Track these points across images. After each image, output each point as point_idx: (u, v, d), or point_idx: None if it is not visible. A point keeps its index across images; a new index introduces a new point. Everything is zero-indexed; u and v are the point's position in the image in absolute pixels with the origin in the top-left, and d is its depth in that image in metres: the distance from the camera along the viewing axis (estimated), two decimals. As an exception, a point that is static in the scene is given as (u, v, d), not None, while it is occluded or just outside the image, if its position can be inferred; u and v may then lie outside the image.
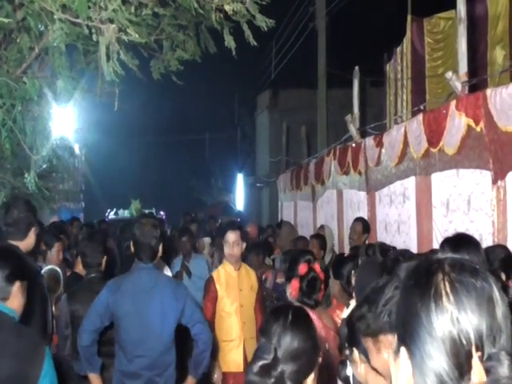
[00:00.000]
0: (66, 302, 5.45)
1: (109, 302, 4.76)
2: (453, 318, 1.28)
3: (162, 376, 4.80)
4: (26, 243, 4.72)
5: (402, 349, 1.37)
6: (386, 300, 2.38)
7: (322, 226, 9.91)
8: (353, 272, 5.10)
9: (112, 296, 4.77)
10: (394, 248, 5.57)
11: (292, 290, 4.60)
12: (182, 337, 5.12)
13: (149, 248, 4.85)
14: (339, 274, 5.48)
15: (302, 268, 4.62)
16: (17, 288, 3.37)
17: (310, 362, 2.54)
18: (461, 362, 1.27)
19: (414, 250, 7.13)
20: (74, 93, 7.31)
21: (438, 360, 1.28)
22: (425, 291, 1.32)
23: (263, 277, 7.99)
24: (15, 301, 3.39)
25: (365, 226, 8.16)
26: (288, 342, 2.49)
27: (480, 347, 1.27)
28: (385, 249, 5.28)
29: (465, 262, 1.36)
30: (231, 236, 6.35)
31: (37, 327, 4.35)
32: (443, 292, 1.30)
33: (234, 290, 6.38)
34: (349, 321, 2.73)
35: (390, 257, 4.73)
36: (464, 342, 1.27)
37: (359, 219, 8.41)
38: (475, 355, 1.26)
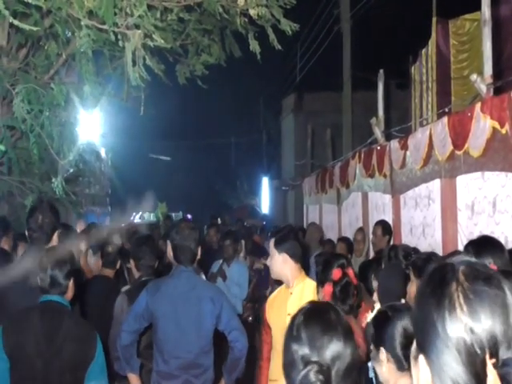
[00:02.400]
0: (124, 301, 5.54)
1: (148, 303, 4.83)
2: (467, 329, 1.30)
3: (199, 378, 4.83)
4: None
5: (421, 356, 1.38)
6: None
7: (361, 228, 9.75)
8: (372, 275, 5.10)
9: (151, 298, 4.83)
10: (415, 249, 5.57)
11: (325, 295, 4.46)
12: (219, 339, 5.18)
13: (189, 251, 4.90)
14: (362, 276, 5.49)
15: (336, 273, 4.51)
16: (71, 283, 4.09)
17: (357, 376, 2.27)
18: (477, 370, 1.29)
19: (439, 252, 7.08)
20: (100, 98, 7.39)
21: (455, 369, 1.30)
22: (440, 301, 1.34)
23: None
24: (70, 294, 4.12)
25: (385, 228, 8.11)
26: (343, 357, 2.10)
27: (494, 354, 1.29)
28: (407, 251, 5.28)
29: (480, 268, 1.38)
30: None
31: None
32: (457, 303, 1.32)
33: (280, 316, 4.80)
34: (375, 321, 2.75)
35: (421, 256, 4.74)
36: (478, 350, 1.29)
37: (379, 222, 8.39)
38: (489, 362, 1.28)
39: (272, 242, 4.89)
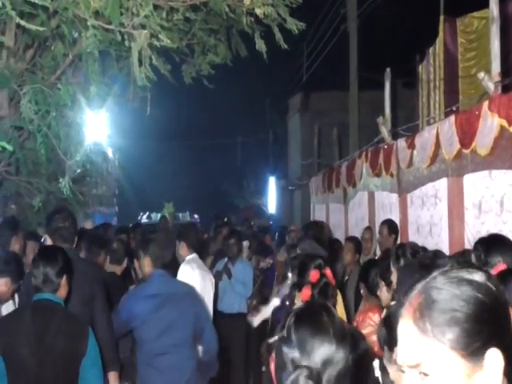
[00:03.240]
0: None
1: (131, 307, 5.02)
2: None
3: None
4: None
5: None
6: None
7: (368, 227, 9.69)
8: (378, 275, 5.08)
9: (134, 302, 5.06)
10: (424, 249, 5.54)
11: (303, 299, 4.14)
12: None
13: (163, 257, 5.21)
14: (364, 276, 5.49)
15: (314, 275, 4.27)
16: (64, 281, 4.16)
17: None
18: None
19: (446, 251, 7.06)
20: (106, 98, 7.42)
21: None
22: None
23: None
24: (63, 291, 4.18)
25: (391, 228, 8.08)
26: (335, 362, 1.97)
27: None
28: (415, 250, 5.26)
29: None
30: None
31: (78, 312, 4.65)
32: None
33: None
34: (387, 321, 2.72)
35: (428, 255, 4.72)
36: None
37: (385, 222, 8.36)
38: None
39: None
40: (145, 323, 4.93)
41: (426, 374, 1.33)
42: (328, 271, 4.46)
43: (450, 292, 1.35)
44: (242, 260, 8.94)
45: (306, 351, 1.96)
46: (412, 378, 1.36)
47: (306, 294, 4.15)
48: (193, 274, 6.57)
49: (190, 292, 5.28)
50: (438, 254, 4.61)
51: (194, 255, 6.90)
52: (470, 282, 1.36)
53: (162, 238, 5.37)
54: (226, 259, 8.80)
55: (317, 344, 1.97)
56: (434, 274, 1.39)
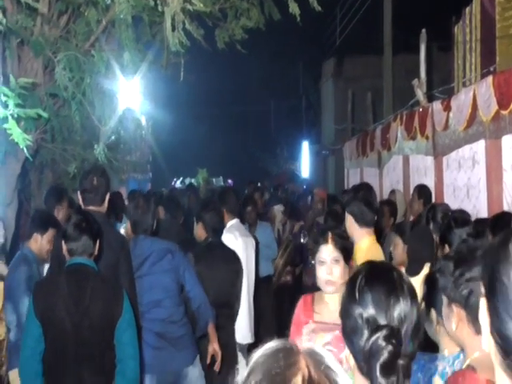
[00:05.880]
0: (192, 262, 5.77)
1: None
2: None
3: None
4: (103, 208, 5.11)
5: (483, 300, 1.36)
6: (471, 276, 2.31)
7: (392, 191, 9.65)
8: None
9: None
10: (461, 211, 5.50)
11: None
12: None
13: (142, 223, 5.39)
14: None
15: None
16: (97, 245, 4.25)
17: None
18: None
19: (484, 214, 7.04)
20: (140, 65, 7.41)
21: None
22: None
23: None
24: (96, 255, 4.28)
25: (420, 192, 7.89)
26: (410, 317, 2.00)
27: None
28: (446, 212, 5.23)
29: None
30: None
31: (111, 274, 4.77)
32: None
33: None
34: (429, 280, 2.70)
35: (445, 223, 4.69)
36: None
37: (416, 187, 8.24)
38: None
39: None
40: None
41: None
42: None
43: None
44: (260, 223, 8.98)
45: (383, 310, 1.97)
46: None
47: None
48: (236, 242, 6.54)
49: (167, 248, 5.43)
50: (457, 218, 4.55)
51: (235, 221, 6.81)
52: None
53: (140, 204, 5.46)
54: (247, 227, 8.81)
55: (393, 302, 1.98)
56: None
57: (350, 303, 2.03)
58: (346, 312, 2.04)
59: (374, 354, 1.90)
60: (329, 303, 3.70)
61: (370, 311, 1.97)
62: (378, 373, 1.88)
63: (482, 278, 1.39)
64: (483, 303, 1.35)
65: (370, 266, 2.18)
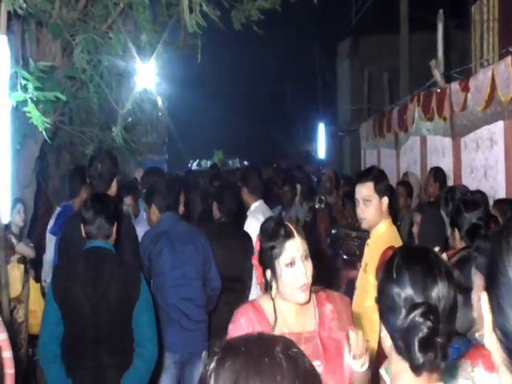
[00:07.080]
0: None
1: (146, 244, 5.32)
2: None
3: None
4: (112, 192, 5.13)
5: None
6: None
7: (406, 173, 9.66)
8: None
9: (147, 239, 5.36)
10: (480, 191, 5.48)
11: None
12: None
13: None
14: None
15: None
16: (115, 228, 4.24)
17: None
18: None
19: (502, 194, 7.02)
20: (157, 46, 7.41)
21: None
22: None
23: None
24: (113, 238, 4.28)
25: (436, 174, 7.79)
26: (447, 297, 2.00)
27: None
28: (465, 193, 5.21)
29: None
30: None
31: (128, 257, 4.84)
32: None
33: None
34: (460, 264, 2.73)
35: (454, 205, 4.67)
36: None
37: (432, 169, 8.14)
38: None
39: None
40: (160, 256, 5.21)
41: None
42: None
43: None
44: (295, 206, 8.94)
45: (420, 289, 1.98)
46: None
47: None
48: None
49: (197, 231, 5.58)
50: (467, 201, 4.52)
51: (259, 203, 6.35)
52: None
53: (163, 187, 5.54)
54: (280, 207, 8.78)
55: (430, 282, 1.99)
56: None
57: (388, 282, 2.04)
58: (383, 291, 2.06)
59: (413, 330, 1.91)
60: (285, 312, 2.94)
61: (407, 291, 1.99)
62: (416, 348, 1.90)
63: (484, 270, 1.37)
64: (484, 298, 1.31)
65: (408, 247, 2.19)
